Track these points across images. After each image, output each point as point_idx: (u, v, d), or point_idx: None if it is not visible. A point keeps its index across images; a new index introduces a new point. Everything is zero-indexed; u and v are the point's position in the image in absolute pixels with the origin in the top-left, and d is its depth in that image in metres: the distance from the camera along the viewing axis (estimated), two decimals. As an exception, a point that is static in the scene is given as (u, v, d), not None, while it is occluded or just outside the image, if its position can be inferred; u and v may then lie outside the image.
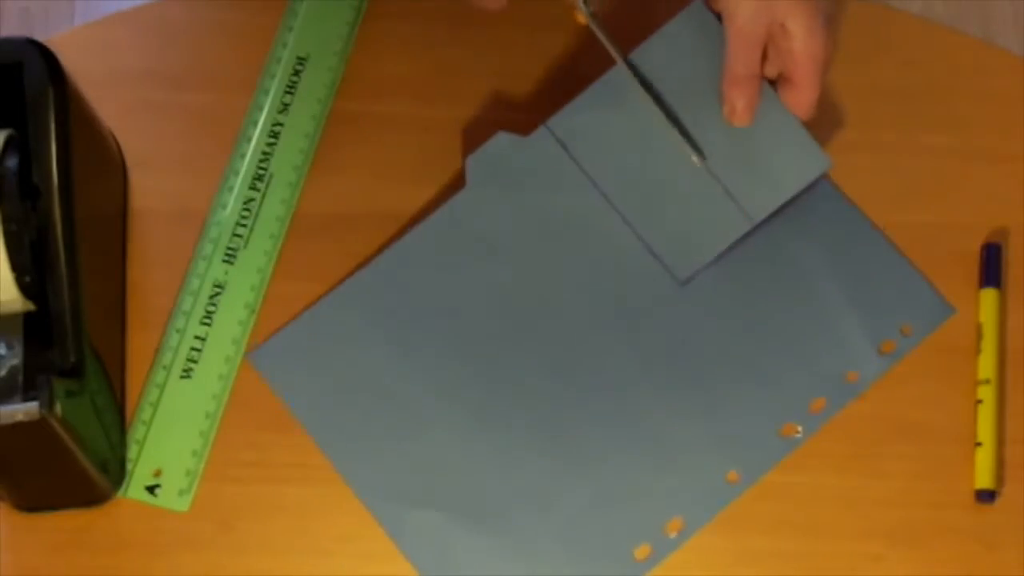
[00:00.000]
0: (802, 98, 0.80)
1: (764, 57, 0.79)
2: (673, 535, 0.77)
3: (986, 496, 0.78)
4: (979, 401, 0.80)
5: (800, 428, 0.79)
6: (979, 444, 0.79)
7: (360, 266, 0.82)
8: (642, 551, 0.77)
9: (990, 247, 0.83)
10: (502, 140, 0.81)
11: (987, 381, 0.80)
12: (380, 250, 0.82)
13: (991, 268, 0.82)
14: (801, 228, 0.82)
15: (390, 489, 0.78)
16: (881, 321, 0.81)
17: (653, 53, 0.81)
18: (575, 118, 0.81)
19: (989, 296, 0.82)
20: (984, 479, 0.78)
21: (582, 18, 0.80)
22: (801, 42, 0.77)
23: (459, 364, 0.80)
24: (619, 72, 0.80)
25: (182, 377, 0.80)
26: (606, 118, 0.81)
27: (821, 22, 0.78)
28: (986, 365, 0.80)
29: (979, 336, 0.81)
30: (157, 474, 0.78)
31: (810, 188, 0.82)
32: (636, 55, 0.81)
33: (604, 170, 0.81)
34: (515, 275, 0.81)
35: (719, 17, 0.80)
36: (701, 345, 0.80)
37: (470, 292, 0.81)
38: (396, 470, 0.78)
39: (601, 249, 0.81)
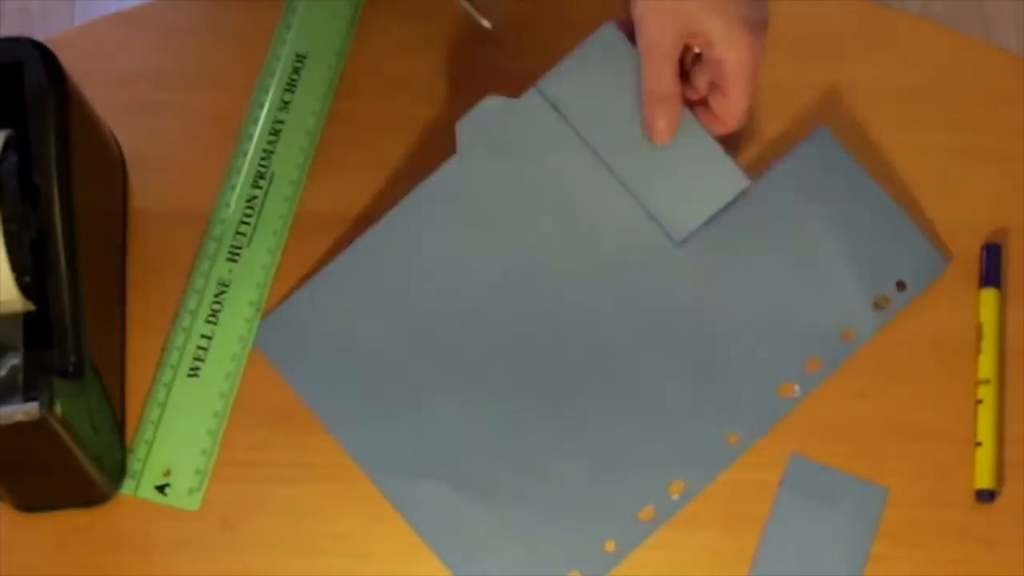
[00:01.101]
0: (730, 107, 0.78)
1: (685, 71, 0.78)
2: (676, 497, 0.78)
3: (986, 496, 0.78)
4: (979, 401, 0.80)
5: (797, 388, 0.80)
6: (979, 444, 0.79)
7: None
8: (646, 513, 0.78)
9: (990, 247, 0.83)
10: (492, 103, 0.81)
11: (987, 381, 0.80)
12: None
13: (991, 268, 0.82)
14: (797, 181, 0.81)
15: (394, 462, 0.78)
16: (877, 276, 0.81)
17: (564, 78, 0.81)
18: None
19: (989, 296, 0.82)
20: (984, 479, 0.78)
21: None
22: (722, 50, 0.75)
23: (457, 334, 0.80)
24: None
25: (189, 376, 0.80)
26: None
27: (742, 27, 0.75)
28: (986, 365, 0.80)
29: (979, 336, 0.81)
30: (167, 474, 0.78)
31: (809, 139, 0.82)
32: (546, 81, 0.81)
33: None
34: (510, 241, 0.81)
35: (632, 39, 0.79)
36: (698, 306, 0.80)
37: (465, 260, 0.81)
38: (399, 443, 0.78)
39: (596, 212, 0.81)
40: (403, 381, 0.79)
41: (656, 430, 0.79)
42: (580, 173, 0.81)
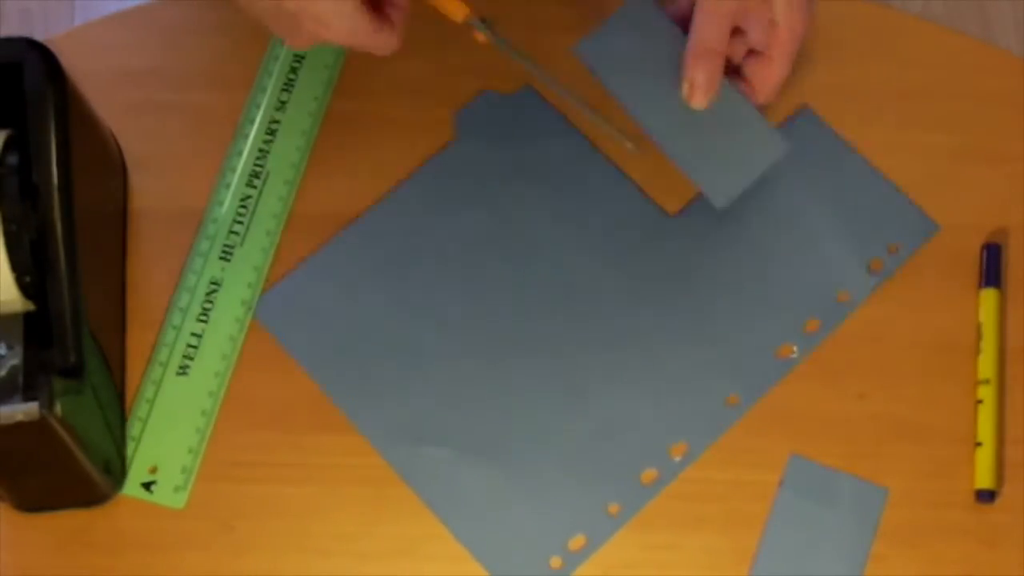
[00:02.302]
0: (772, 73, 0.78)
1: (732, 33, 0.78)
2: (678, 459, 0.79)
3: (986, 496, 0.78)
4: (979, 401, 0.80)
5: (795, 349, 0.81)
6: (979, 444, 0.79)
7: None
8: (648, 475, 0.78)
9: (990, 247, 0.83)
10: (489, 97, 0.84)
11: (987, 381, 0.80)
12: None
13: (991, 268, 0.82)
14: (787, 157, 0.82)
15: (398, 430, 0.79)
16: (868, 240, 0.83)
17: (599, 42, 0.80)
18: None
19: (989, 296, 0.82)
20: (984, 479, 0.78)
21: (481, 37, 0.79)
22: (782, 13, 0.76)
23: (458, 305, 0.81)
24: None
25: (178, 374, 0.80)
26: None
27: None
28: (986, 365, 0.80)
29: (979, 336, 0.81)
30: (153, 471, 0.78)
31: (792, 117, 0.84)
32: (584, 45, 0.80)
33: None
34: (510, 214, 0.83)
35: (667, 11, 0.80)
36: (694, 273, 0.82)
37: (466, 234, 0.82)
38: (402, 411, 0.79)
39: (591, 187, 0.83)
40: (404, 350, 0.80)
41: (656, 393, 0.80)
42: (576, 154, 0.84)
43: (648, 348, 0.80)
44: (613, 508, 0.78)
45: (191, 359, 0.80)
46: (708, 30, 0.77)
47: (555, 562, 0.77)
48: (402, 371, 0.80)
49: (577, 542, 0.77)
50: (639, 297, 0.81)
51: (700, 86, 0.77)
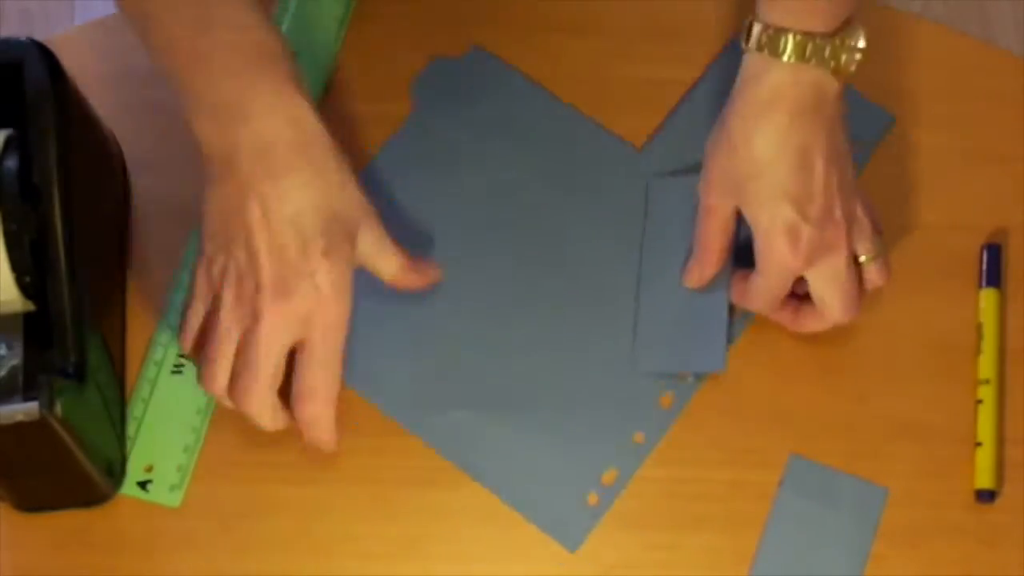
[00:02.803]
0: (753, 285, 0.78)
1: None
2: (690, 380, 0.80)
3: (986, 496, 0.78)
4: (979, 401, 0.80)
5: None
6: (979, 444, 0.79)
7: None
8: (666, 399, 0.80)
9: (990, 247, 0.83)
10: (440, 63, 0.86)
11: (987, 381, 0.80)
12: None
13: (991, 268, 0.82)
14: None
15: (414, 398, 0.80)
16: None
17: (668, 189, 0.83)
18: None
19: (989, 296, 0.82)
20: (984, 479, 0.78)
21: None
22: (757, 238, 0.77)
23: (453, 267, 0.81)
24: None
25: (173, 373, 0.80)
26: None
27: (783, 231, 0.75)
28: (986, 365, 0.80)
29: (979, 336, 0.81)
30: (148, 470, 0.78)
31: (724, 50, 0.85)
32: (654, 182, 0.83)
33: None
34: (483, 173, 0.84)
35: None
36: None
37: (444, 199, 0.84)
38: (416, 380, 0.80)
39: (557, 132, 0.85)
40: (410, 319, 0.81)
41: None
42: (536, 104, 0.85)
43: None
44: (639, 436, 0.79)
45: (186, 357, 0.80)
46: (704, 232, 0.79)
47: (592, 498, 0.78)
48: (409, 341, 0.81)
49: (610, 475, 0.78)
50: (624, 249, 0.82)
51: (690, 274, 0.80)
